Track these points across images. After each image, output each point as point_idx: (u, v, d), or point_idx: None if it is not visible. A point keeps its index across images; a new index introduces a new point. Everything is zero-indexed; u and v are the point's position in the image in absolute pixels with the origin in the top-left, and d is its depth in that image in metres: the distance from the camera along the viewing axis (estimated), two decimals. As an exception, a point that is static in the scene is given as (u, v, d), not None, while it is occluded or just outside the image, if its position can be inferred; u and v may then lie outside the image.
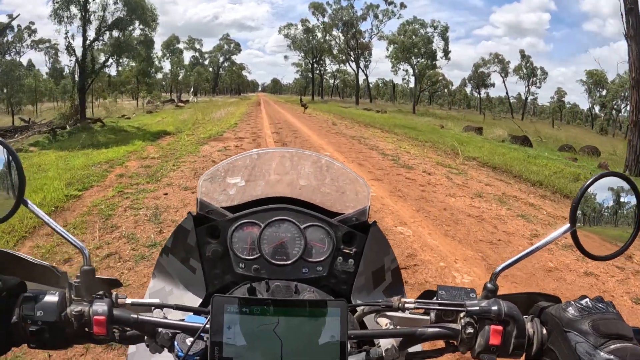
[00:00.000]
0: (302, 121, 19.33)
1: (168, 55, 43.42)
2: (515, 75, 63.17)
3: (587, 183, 0.68)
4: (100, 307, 0.62)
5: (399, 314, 0.71)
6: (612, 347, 0.56)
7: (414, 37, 41.08)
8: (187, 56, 61.56)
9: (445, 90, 76.66)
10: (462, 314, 0.64)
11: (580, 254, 0.70)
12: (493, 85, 65.47)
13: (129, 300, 0.66)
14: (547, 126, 46.64)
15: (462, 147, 13.87)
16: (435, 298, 0.69)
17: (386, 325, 0.70)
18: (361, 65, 52.26)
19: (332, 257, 0.96)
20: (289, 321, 0.58)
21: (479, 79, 65.21)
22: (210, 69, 70.85)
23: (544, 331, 0.63)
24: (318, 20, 52.19)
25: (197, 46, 67.25)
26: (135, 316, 0.63)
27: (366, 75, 54.54)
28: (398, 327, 0.70)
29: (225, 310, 0.57)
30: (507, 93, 67.98)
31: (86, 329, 0.63)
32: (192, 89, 47.34)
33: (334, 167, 1.17)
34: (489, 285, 0.68)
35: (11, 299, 0.62)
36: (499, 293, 0.68)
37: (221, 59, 72.43)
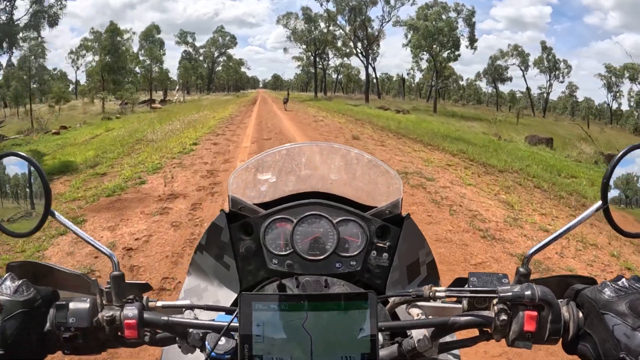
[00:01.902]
0: (307, 133, 13.03)
1: (146, 47, 36.78)
2: (535, 68, 57.04)
3: (617, 158, 0.65)
4: (131, 311, 0.62)
5: (430, 303, 0.68)
6: None
7: (437, 21, 34.40)
8: (180, 51, 55.83)
9: (455, 84, 70.47)
10: (494, 301, 0.62)
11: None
12: (510, 79, 59.27)
13: (159, 303, 0.67)
14: (573, 125, 41.06)
15: (574, 183, 7.78)
16: (466, 285, 0.67)
17: (418, 315, 0.67)
18: (365, 57, 45.79)
19: (366, 251, 0.93)
20: (318, 316, 0.57)
21: (496, 73, 58.78)
22: (205, 64, 64.86)
23: (580, 315, 0.61)
24: (322, 5, 45.70)
25: (190, 40, 61.19)
26: (166, 318, 0.63)
27: (374, 69, 48.12)
28: (430, 316, 0.68)
29: (254, 308, 0.57)
30: (527, 88, 61.73)
31: (118, 333, 0.64)
32: (177, 87, 41.23)
33: (364, 159, 1.11)
34: (521, 269, 0.66)
35: (45, 308, 0.63)
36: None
37: (216, 54, 66.30)
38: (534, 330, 0.59)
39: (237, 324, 0.57)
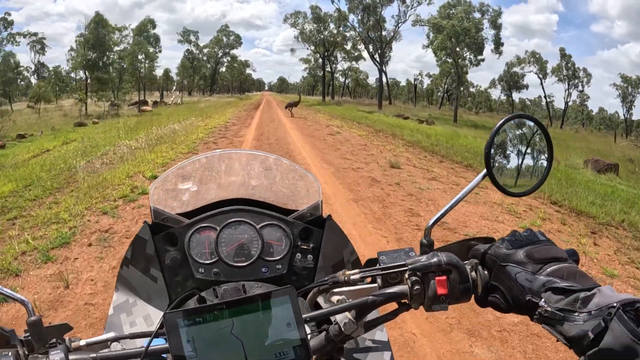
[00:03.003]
0: (326, 156, 9.61)
1: (136, 41, 33.07)
2: (553, 76, 54.05)
3: (497, 126, 0.71)
4: (57, 355, 0.59)
5: (349, 288, 0.71)
6: (549, 269, 0.59)
7: (464, 21, 30.81)
8: (182, 50, 52.90)
9: (465, 91, 67.17)
10: (406, 274, 0.65)
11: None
12: (526, 87, 56.16)
13: (83, 342, 0.64)
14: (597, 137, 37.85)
15: None
16: (378, 265, 0.70)
17: (338, 301, 0.70)
18: (378, 60, 42.31)
19: (291, 254, 0.95)
20: (243, 320, 0.57)
21: (511, 80, 55.59)
22: (209, 65, 61.76)
23: (485, 272, 0.66)
24: (334, 2, 42.39)
25: (193, 39, 58.11)
26: (94, 355, 0.61)
27: (385, 73, 44.55)
28: (350, 300, 0.69)
29: (180, 325, 0.56)
30: (545, 96, 58.58)
31: None
32: (174, 87, 37.98)
33: (282, 164, 1.12)
34: (424, 240, 0.71)
35: None
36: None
37: (220, 54, 63.16)
38: (446, 293, 0.62)
39: (167, 345, 0.56)
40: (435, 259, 0.63)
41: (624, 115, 53.24)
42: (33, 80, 39.65)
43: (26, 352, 0.61)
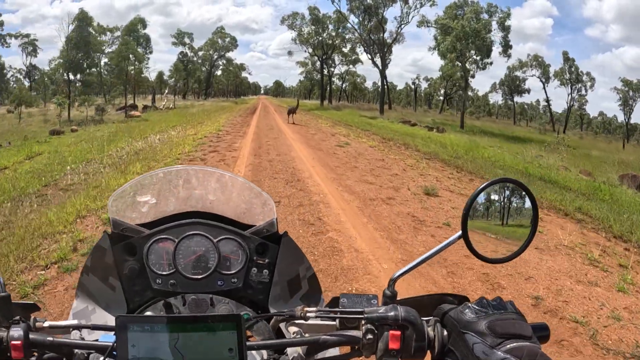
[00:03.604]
0: (343, 180, 7.89)
1: (122, 41, 30.95)
2: (556, 80, 52.76)
3: (478, 190, 0.69)
4: (17, 332, 0.61)
5: (307, 321, 0.71)
6: (508, 346, 0.56)
7: (475, 21, 29.20)
8: (176, 52, 51.04)
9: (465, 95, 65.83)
10: (363, 321, 0.65)
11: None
12: (528, 91, 54.91)
13: (47, 323, 0.66)
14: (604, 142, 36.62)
15: None
16: (339, 306, 0.71)
17: (294, 333, 0.70)
18: (378, 63, 40.68)
19: (247, 268, 0.95)
20: (189, 337, 0.59)
21: (513, 84, 54.27)
22: (204, 68, 60.01)
23: (445, 333, 0.64)
24: (334, 2, 40.80)
25: (187, 41, 56.30)
26: (52, 339, 0.63)
27: (385, 77, 42.89)
28: (306, 334, 0.70)
29: (129, 330, 0.58)
30: (547, 101, 57.25)
31: (8, 354, 0.63)
32: (166, 91, 36.13)
33: (238, 182, 1.13)
34: (387, 291, 0.70)
35: None
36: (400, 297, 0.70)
37: (215, 56, 61.40)
38: (398, 348, 0.61)
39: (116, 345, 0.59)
40: (392, 313, 0.62)
41: (624, 119, 52.50)
42: (26, 83, 37.84)
43: None
